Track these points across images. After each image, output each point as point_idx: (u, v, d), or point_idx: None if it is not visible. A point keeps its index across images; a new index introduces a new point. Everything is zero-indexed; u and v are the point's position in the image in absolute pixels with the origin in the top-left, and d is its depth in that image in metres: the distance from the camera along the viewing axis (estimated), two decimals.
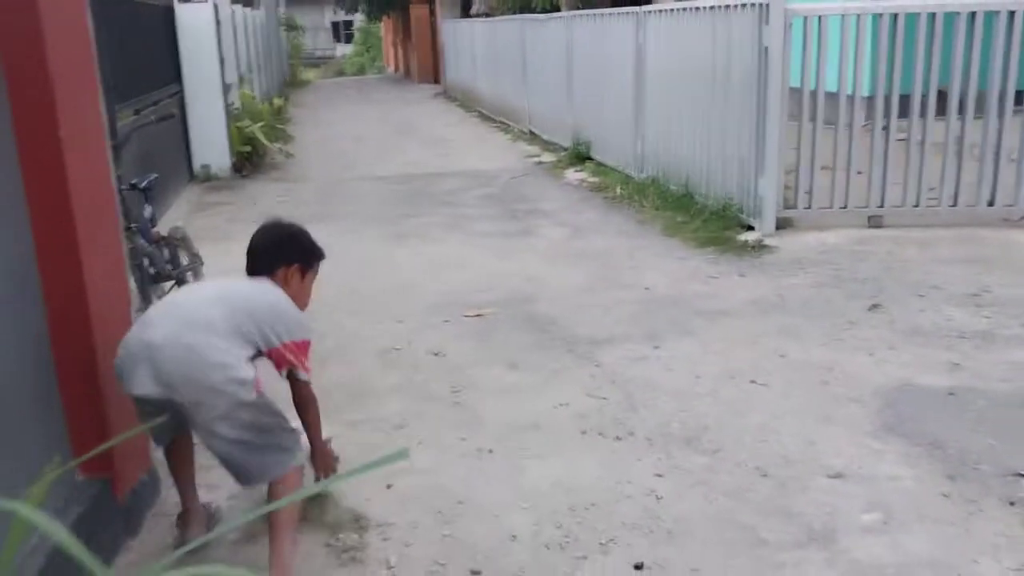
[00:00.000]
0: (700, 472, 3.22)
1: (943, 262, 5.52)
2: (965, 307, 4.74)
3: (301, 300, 2.96)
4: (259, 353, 2.68)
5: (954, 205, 6.27)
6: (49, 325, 2.69)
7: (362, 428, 3.69)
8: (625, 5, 8.91)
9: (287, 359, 2.71)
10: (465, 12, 21.74)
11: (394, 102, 20.35)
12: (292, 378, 2.81)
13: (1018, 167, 6.17)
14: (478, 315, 5.01)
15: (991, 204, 6.23)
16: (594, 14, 9.80)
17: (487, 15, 17.26)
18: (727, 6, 6.58)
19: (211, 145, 9.57)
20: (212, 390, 2.51)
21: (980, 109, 6.16)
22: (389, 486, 3.24)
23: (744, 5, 6.33)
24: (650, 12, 8.05)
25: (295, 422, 2.87)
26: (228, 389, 2.51)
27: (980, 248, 5.74)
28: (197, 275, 5.45)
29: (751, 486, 3.11)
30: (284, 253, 2.93)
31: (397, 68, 33.26)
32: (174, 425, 2.75)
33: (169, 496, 3.18)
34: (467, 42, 17.53)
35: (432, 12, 24.72)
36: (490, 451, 3.46)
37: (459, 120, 15.89)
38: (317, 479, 3.03)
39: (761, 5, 6.08)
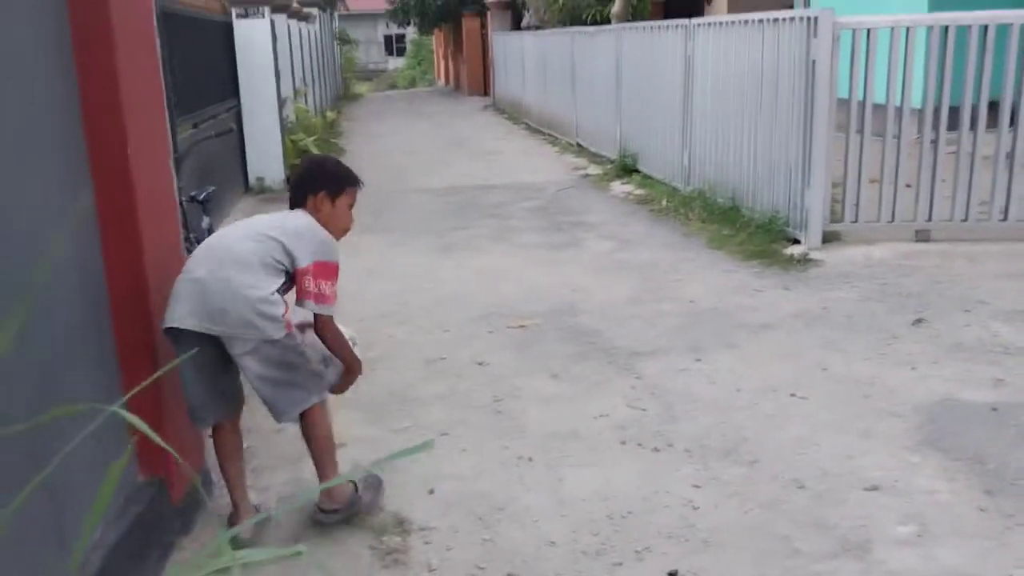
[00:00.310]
0: (737, 483, 3.26)
1: (991, 277, 5.46)
2: (1012, 323, 4.70)
3: (334, 225, 3.10)
4: (289, 282, 2.92)
5: (1004, 219, 6.19)
6: (115, 330, 2.85)
7: (408, 434, 3.80)
8: (675, 17, 8.95)
9: (306, 286, 2.90)
10: (516, 25, 21.93)
11: (444, 115, 20.59)
12: (314, 313, 3.00)
13: None
14: (522, 326, 5.10)
15: None
16: (643, 26, 9.86)
17: (538, 28, 17.41)
18: (775, 19, 6.60)
19: (266, 158, 9.83)
20: (246, 323, 2.78)
21: None
22: (431, 491, 3.35)
23: (792, 18, 6.35)
24: (699, 24, 8.09)
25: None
26: (259, 323, 2.78)
27: None
28: None
29: (787, 498, 3.14)
30: (312, 182, 3.11)
31: (447, 81, 33.62)
32: (215, 405, 3.01)
33: (221, 496, 3.32)
34: (517, 55, 17.69)
35: (483, 25, 24.97)
36: (530, 459, 3.54)
37: (507, 132, 16.04)
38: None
39: (809, 19, 6.09)
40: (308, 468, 3.24)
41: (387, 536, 3.06)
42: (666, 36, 8.83)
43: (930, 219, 6.25)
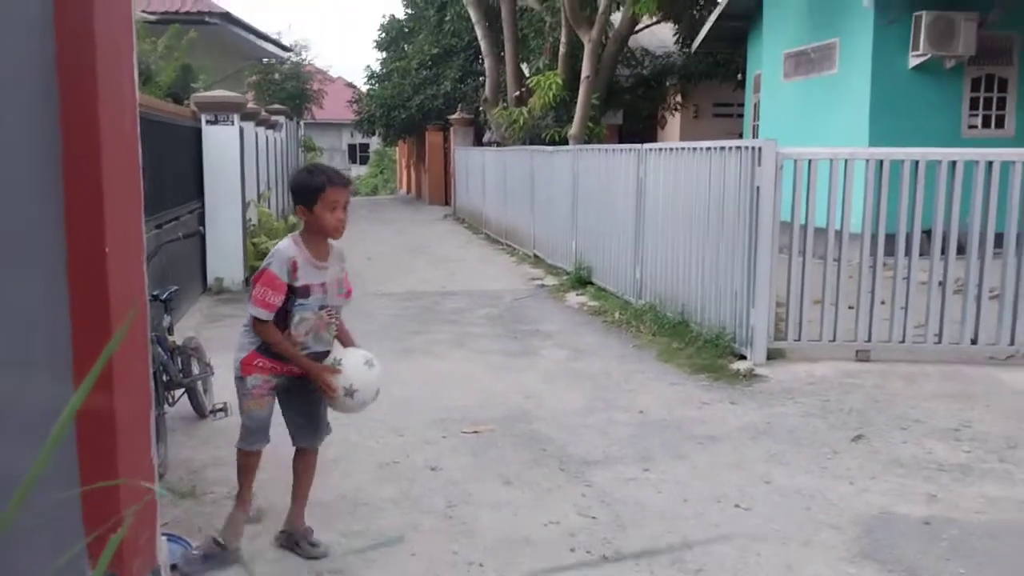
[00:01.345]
0: None
1: (927, 397, 5.71)
2: (946, 441, 4.91)
3: (321, 228, 3.53)
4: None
5: (939, 342, 6.49)
6: (77, 426, 2.90)
7: (359, 538, 3.82)
8: (632, 141, 9.42)
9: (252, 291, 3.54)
10: (478, 141, 22.63)
11: (405, 222, 20.96)
12: None
13: (1000, 307, 6.43)
14: (476, 432, 5.18)
15: (974, 342, 6.47)
16: (598, 149, 10.33)
17: (498, 144, 18.02)
18: (723, 147, 7.00)
19: (226, 259, 9.94)
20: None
21: (962, 250, 6.47)
22: None
23: (739, 147, 6.74)
24: (651, 149, 8.52)
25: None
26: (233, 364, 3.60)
27: (964, 385, 5.94)
28: (206, 384, 5.68)
29: None
30: (293, 198, 3.61)
31: (409, 190, 34.31)
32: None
33: None
34: (478, 168, 18.23)
35: (446, 139, 25.73)
36: (481, 565, 3.59)
37: (467, 241, 16.37)
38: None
39: (754, 148, 6.48)
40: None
41: None
42: (620, 158, 9.26)
43: (869, 339, 6.53)
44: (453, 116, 23.11)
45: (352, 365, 3.61)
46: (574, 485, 4.37)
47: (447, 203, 24.62)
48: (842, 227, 6.49)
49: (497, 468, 4.62)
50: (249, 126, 11.21)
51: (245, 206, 10.17)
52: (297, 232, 3.61)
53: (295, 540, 3.73)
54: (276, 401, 3.72)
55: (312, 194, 3.48)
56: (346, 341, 3.80)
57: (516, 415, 5.48)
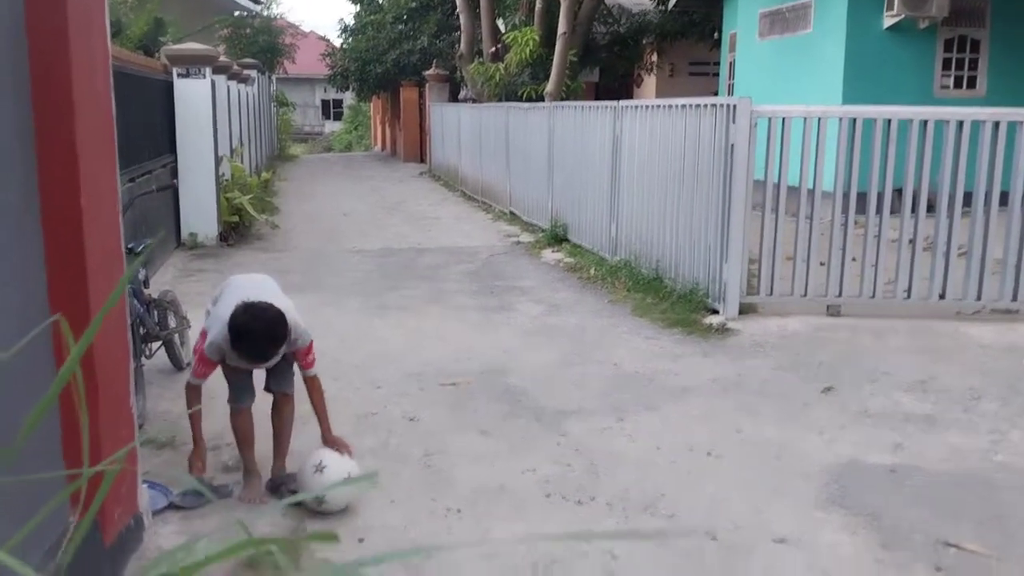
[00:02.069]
0: (655, 535, 3.43)
1: (895, 351, 5.83)
2: (913, 393, 5.04)
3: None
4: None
5: (908, 298, 6.62)
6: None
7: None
8: (608, 99, 9.40)
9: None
10: (453, 97, 22.45)
11: (380, 179, 20.83)
12: None
13: (968, 264, 6.55)
14: (453, 384, 5.24)
15: (942, 297, 6.59)
16: (575, 105, 10.30)
17: (474, 101, 17.90)
18: (698, 105, 7.02)
19: (200, 214, 9.86)
20: None
21: (932, 208, 6.57)
22: (361, 540, 3.43)
23: (713, 105, 6.77)
24: (626, 107, 8.52)
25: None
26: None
27: (931, 339, 6.07)
28: (183, 337, 5.68)
29: (702, 548, 3.33)
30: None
31: (384, 146, 34.02)
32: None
33: (151, 539, 3.36)
34: (453, 125, 18.11)
35: (421, 95, 25.49)
36: (459, 511, 3.66)
37: (442, 198, 16.33)
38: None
39: (729, 106, 6.51)
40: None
41: None
42: (596, 115, 9.25)
43: (840, 295, 6.64)
44: (429, 72, 22.87)
45: (332, 477, 3.66)
46: (549, 435, 4.45)
47: (422, 160, 24.48)
48: (815, 185, 6.56)
49: (474, 419, 4.69)
50: (221, 80, 11.05)
51: (218, 161, 10.06)
52: None
53: (277, 486, 3.82)
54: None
55: (232, 342, 3.56)
56: (323, 426, 3.90)
57: (493, 369, 5.55)
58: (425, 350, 5.98)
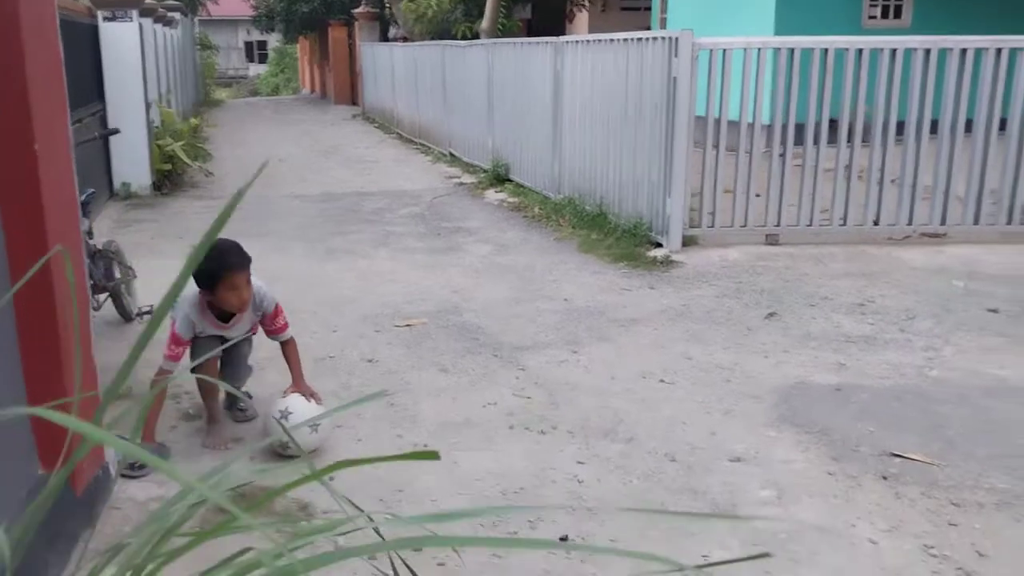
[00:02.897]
0: (617, 459, 3.57)
1: (833, 276, 6.05)
2: (851, 315, 5.26)
3: (225, 308, 3.69)
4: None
5: (844, 224, 6.85)
6: (18, 324, 2.88)
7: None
8: (541, 36, 9.35)
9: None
10: (384, 36, 22.02)
11: (312, 123, 20.44)
12: None
13: (900, 191, 6.79)
14: (408, 325, 5.29)
15: (876, 224, 6.84)
16: (514, 42, 10.23)
17: (405, 40, 17.59)
18: (639, 39, 7.06)
19: (132, 163, 9.60)
20: None
21: (866, 138, 6.76)
22: (331, 478, 3.49)
23: (655, 38, 6.81)
24: (567, 42, 8.50)
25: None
26: None
27: (867, 263, 6.31)
28: (130, 288, 5.60)
29: (662, 470, 3.47)
30: (195, 280, 3.65)
31: (313, 89, 33.27)
32: None
33: (121, 489, 3.37)
34: (387, 65, 17.80)
35: (351, 35, 24.92)
36: (425, 446, 3.74)
37: (379, 141, 16.13)
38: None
39: (671, 39, 6.56)
40: None
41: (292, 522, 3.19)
42: (536, 52, 9.21)
43: (779, 224, 6.84)
44: (358, 10, 22.36)
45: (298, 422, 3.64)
46: (508, 370, 4.55)
47: (355, 103, 24.04)
48: (754, 117, 6.69)
49: (432, 358, 4.75)
50: (147, 23, 10.66)
51: (148, 107, 9.77)
52: (203, 295, 3.67)
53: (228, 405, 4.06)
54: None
55: (212, 280, 3.58)
56: (295, 375, 3.90)
57: (447, 308, 5.60)
58: (378, 293, 6.00)
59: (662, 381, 4.36)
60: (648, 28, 16.53)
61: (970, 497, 3.24)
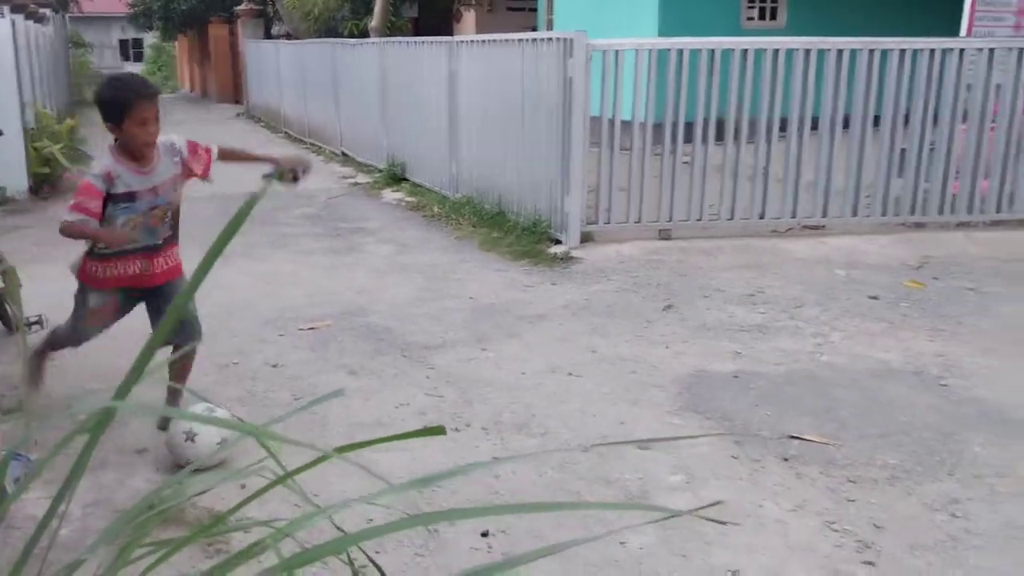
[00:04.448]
0: (531, 452, 3.63)
1: (724, 268, 6.30)
2: (744, 305, 5.48)
3: (133, 145, 3.48)
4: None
5: (731, 219, 7.12)
6: None
7: (210, 446, 3.83)
8: (429, 35, 9.35)
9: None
10: (268, 34, 21.54)
11: (194, 123, 19.81)
12: None
13: (783, 186, 7.11)
14: (313, 328, 5.23)
15: (762, 217, 7.14)
16: (406, 41, 10.20)
17: (289, 37, 17.25)
18: (534, 39, 7.16)
19: (7, 166, 9.11)
20: None
21: (752, 136, 7.05)
22: (243, 486, 3.43)
23: (550, 39, 6.92)
24: (462, 42, 8.53)
25: None
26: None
27: (755, 255, 6.59)
28: (14, 296, 5.32)
29: (575, 460, 3.56)
30: (101, 115, 3.49)
31: (193, 88, 32.25)
32: None
33: (18, 510, 3.23)
34: (272, 64, 17.43)
35: (232, 32, 24.27)
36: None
37: (267, 141, 15.77)
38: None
39: (566, 40, 6.69)
40: None
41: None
42: (431, 51, 9.21)
43: (671, 220, 7.06)
44: (240, 7, 21.80)
45: (203, 443, 3.51)
46: (418, 369, 4.56)
47: (238, 101, 23.43)
48: (646, 118, 6.88)
49: (339, 360, 4.72)
50: (19, 19, 10.13)
51: (23, 108, 9.29)
52: (113, 142, 3.53)
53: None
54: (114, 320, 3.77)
55: (119, 110, 3.41)
56: (252, 156, 3.98)
57: (350, 310, 5.56)
58: (278, 296, 5.90)
59: (570, 374, 4.45)
60: (534, 28, 16.73)
61: (865, 474, 3.45)
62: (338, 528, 1.44)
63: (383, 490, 1.38)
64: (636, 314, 5.38)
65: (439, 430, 1.31)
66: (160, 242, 3.74)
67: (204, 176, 3.78)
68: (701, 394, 4.19)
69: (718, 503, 3.17)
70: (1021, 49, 7.13)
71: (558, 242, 6.92)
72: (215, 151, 3.81)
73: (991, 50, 7.10)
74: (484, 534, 3.07)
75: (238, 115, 20.97)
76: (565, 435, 3.78)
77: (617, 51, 6.78)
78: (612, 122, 6.85)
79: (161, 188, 3.60)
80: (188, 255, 7.07)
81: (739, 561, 2.86)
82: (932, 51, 7.01)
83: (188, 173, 3.73)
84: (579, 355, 4.72)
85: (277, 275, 6.47)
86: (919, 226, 7.15)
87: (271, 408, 4.13)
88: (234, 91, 24.33)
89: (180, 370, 3.83)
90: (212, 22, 25.32)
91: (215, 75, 26.26)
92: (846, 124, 7.04)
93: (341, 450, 1.27)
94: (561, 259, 6.58)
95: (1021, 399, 4.09)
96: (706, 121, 6.95)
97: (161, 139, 3.59)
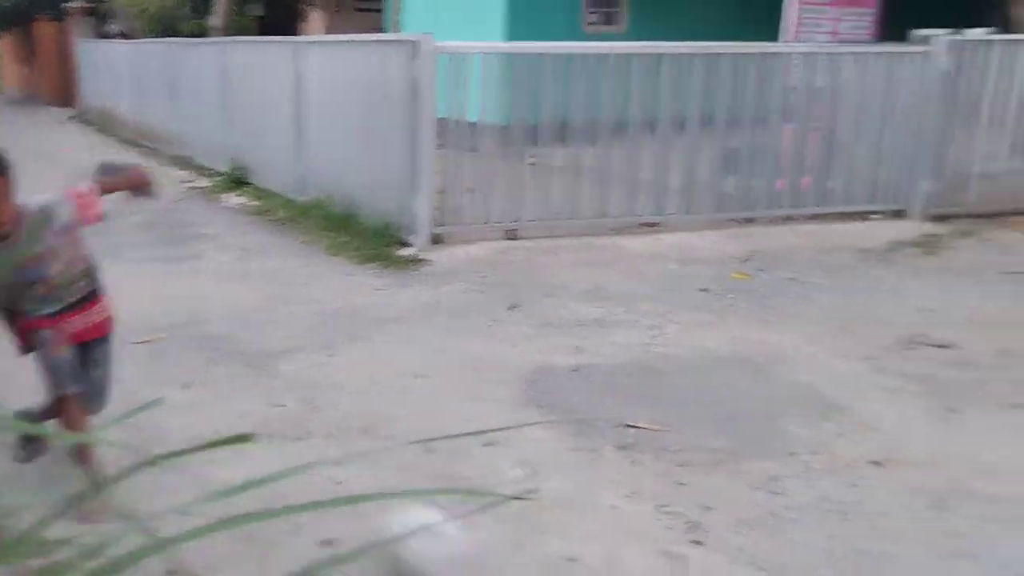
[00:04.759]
0: (377, 455, 3.64)
1: (567, 266, 6.47)
2: (585, 301, 5.66)
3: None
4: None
5: (576, 218, 7.32)
6: None
7: (41, 458, 3.64)
8: (275, 34, 9.16)
9: None
10: (102, 33, 20.48)
11: (22, 125, 18.61)
12: None
13: (623, 185, 7.37)
14: (146, 341, 5.03)
15: (604, 216, 7.37)
16: (249, 41, 9.96)
17: (124, 36, 16.47)
18: (381, 41, 7.14)
19: None
20: None
21: (594, 138, 7.27)
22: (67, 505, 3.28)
23: (397, 42, 6.92)
24: (310, 43, 8.40)
25: None
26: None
27: (596, 253, 6.80)
28: None
29: (422, 460, 3.57)
30: None
31: (20, 89, 30.25)
32: None
33: None
34: (108, 64, 16.58)
35: (62, 31, 22.93)
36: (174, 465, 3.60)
37: (100, 143, 15.00)
38: None
39: (412, 42, 6.70)
40: None
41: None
42: (275, 51, 9.01)
43: (518, 220, 7.19)
44: (70, 4, 20.61)
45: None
46: (262, 378, 4.47)
47: (70, 104, 22.14)
48: (492, 120, 6.98)
49: (176, 373, 4.56)
50: None
51: None
52: None
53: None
54: None
55: None
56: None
57: (189, 320, 5.38)
58: None
59: (417, 376, 4.47)
60: (382, 29, 16.63)
61: (694, 457, 3.63)
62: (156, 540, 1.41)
63: (197, 499, 1.36)
64: (483, 314, 5.46)
65: (246, 438, 1.30)
66: (73, 300, 3.43)
67: (98, 220, 3.42)
68: (544, 388, 4.31)
69: (534, 491, 3.28)
70: (838, 54, 7.68)
71: (408, 244, 6.93)
72: (96, 189, 3.44)
73: (812, 55, 7.61)
74: (327, 542, 3.05)
75: (70, 118, 19.82)
76: (411, 436, 3.79)
77: (464, 54, 6.85)
78: (460, 124, 6.92)
79: (35, 261, 3.24)
80: None
81: (575, 549, 2.97)
82: (759, 55, 7.45)
83: (79, 226, 3.37)
84: (427, 357, 4.75)
85: (109, 287, 6.16)
86: (748, 221, 7.56)
87: (101, 427, 3.95)
88: (66, 93, 22.97)
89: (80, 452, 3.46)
90: (39, 19, 23.83)
91: (44, 76, 24.73)
92: (682, 125, 7.37)
93: (159, 460, 1.24)
94: (411, 261, 6.59)
95: (835, 382, 4.41)
96: (551, 123, 7.12)
97: (30, 206, 3.24)
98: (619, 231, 7.36)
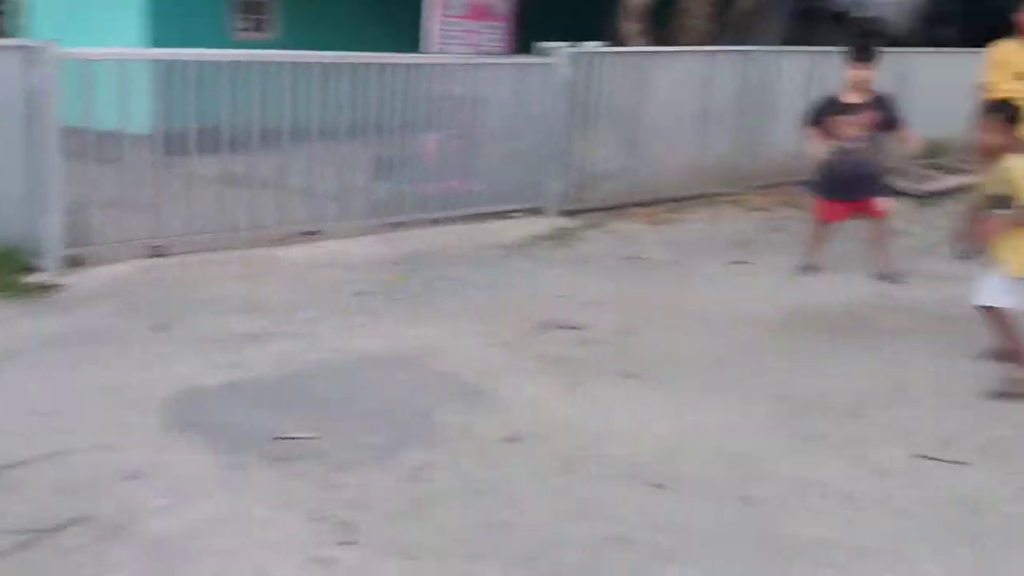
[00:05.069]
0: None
1: (222, 279, 6.26)
2: (241, 314, 5.50)
3: None
4: None
5: (229, 230, 7.09)
6: None
7: None
8: None
9: None
10: None
11: None
12: None
13: (277, 195, 7.27)
14: None
15: (257, 227, 7.22)
16: None
17: None
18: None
19: None
20: None
21: (245, 147, 7.10)
22: None
23: (15, 47, 6.27)
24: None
25: None
26: None
27: (253, 265, 6.64)
28: None
29: (52, 505, 3.31)
30: None
31: None
32: None
33: None
34: None
35: None
36: None
37: None
38: None
39: (31, 48, 6.12)
40: None
41: None
42: None
43: (167, 236, 6.83)
44: None
45: None
46: None
47: None
48: (132, 129, 6.57)
49: None
50: None
51: None
52: None
53: None
54: None
55: None
56: None
57: None
58: None
59: (48, 414, 4.10)
60: (2, 32, 14.96)
61: (349, 458, 3.72)
62: None
63: None
64: (127, 337, 5.12)
65: None
66: None
67: None
68: (193, 410, 4.16)
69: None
70: (475, 65, 8.20)
71: (38, 269, 6.30)
72: None
73: (451, 66, 8.03)
74: None
75: None
76: (40, 479, 3.50)
77: (97, 61, 6.38)
78: (99, 135, 6.43)
79: None
80: None
81: (223, 570, 2.92)
82: (404, 66, 7.73)
83: None
84: (58, 391, 4.36)
85: None
86: (401, 225, 7.80)
87: None
88: None
89: None
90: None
91: None
92: (334, 133, 7.43)
93: None
94: (41, 288, 5.99)
95: (480, 370, 4.72)
96: (199, 133, 6.85)
97: None
98: (277, 241, 7.24)
